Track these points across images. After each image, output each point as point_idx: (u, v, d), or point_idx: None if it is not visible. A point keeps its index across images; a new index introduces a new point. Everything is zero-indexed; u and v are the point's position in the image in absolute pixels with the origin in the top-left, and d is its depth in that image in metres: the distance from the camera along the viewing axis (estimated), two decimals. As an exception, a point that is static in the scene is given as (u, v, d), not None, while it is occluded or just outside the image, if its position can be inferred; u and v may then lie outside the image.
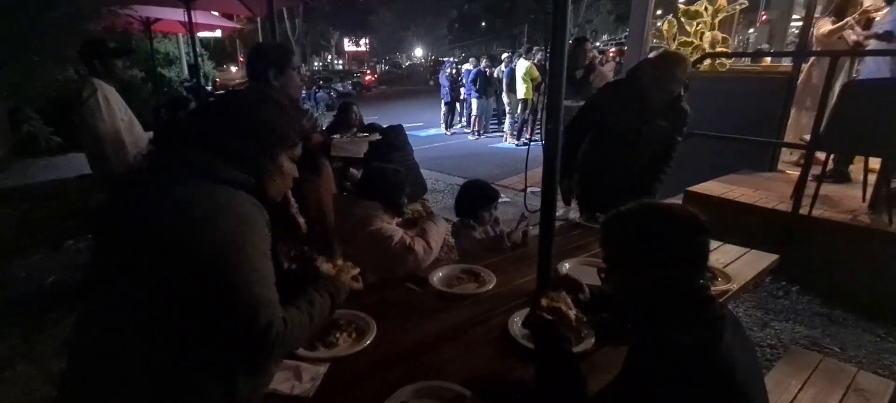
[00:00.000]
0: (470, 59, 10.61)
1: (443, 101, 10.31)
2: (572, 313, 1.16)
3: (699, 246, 0.92)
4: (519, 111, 8.56)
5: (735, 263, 1.92)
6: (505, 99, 8.92)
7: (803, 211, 3.00)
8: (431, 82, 21.97)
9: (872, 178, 3.10)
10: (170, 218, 0.85)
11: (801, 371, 1.72)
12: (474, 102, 9.44)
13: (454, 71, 10.52)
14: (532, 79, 8.08)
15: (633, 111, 2.24)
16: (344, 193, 2.44)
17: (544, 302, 1.18)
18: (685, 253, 0.92)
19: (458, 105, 10.62)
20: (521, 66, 8.24)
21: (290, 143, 1.02)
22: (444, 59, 17.50)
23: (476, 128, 9.56)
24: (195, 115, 1.01)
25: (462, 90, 10.20)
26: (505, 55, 10.17)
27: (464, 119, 10.80)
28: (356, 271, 1.24)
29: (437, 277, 1.71)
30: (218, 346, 0.87)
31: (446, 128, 10.26)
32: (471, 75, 9.34)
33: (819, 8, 4.54)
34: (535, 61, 8.28)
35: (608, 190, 2.27)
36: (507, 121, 9.01)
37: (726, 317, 0.90)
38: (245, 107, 0.99)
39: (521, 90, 8.25)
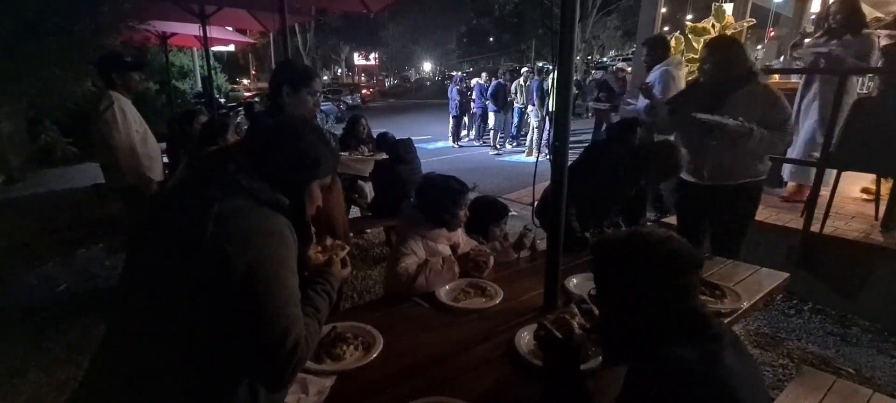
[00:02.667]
0: (481, 74, 10.65)
1: (451, 115, 10.37)
2: (576, 321, 1.15)
3: (686, 285, 0.92)
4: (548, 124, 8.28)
5: (745, 281, 1.90)
6: (532, 112, 8.65)
7: (815, 228, 2.96)
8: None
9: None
10: (210, 231, 0.87)
11: (814, 392, 1.68)
12: (491, 116, 9.32)
13: (464, 85, 10.58)
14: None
15: (627, 184, 2.39)
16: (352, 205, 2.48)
17: (554, 316, 1.18)
18: (672, 287, 0.91)
19: (465, 119, 10.68)
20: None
21: (324, 173, 1.09)
22: (454, 73, 17.67)
23: (495, 142, 9.40)
24: (252, 136, 1.08)
25: (472, 104, 10.25)
26: (525, 69, 10.17)
27: (472, 132, 10.84)
28: (345, 252, 1.23)
29: (444, 291, 1.71)
30: (245, 358, 0.89)
31: (455, 141, 10.30)
32: (491, 89, 9.25)
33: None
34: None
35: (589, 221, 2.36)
36: (533, 135, 8.59)
37: (725, 335, 0.89)
38: (298, 138, 1.05)
39: None
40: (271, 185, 0.98)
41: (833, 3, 3.34)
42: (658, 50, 3.77)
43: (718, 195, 2.44)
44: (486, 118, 10.10)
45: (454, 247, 1.98)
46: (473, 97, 10.22)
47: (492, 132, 9.56)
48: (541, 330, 1.16)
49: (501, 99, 9.14)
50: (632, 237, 0.98)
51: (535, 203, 2.38)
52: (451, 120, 10.40)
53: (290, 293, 0.91)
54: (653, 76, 3.65)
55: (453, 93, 10.25)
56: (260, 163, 1.00)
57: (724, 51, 2.34)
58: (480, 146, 10.03)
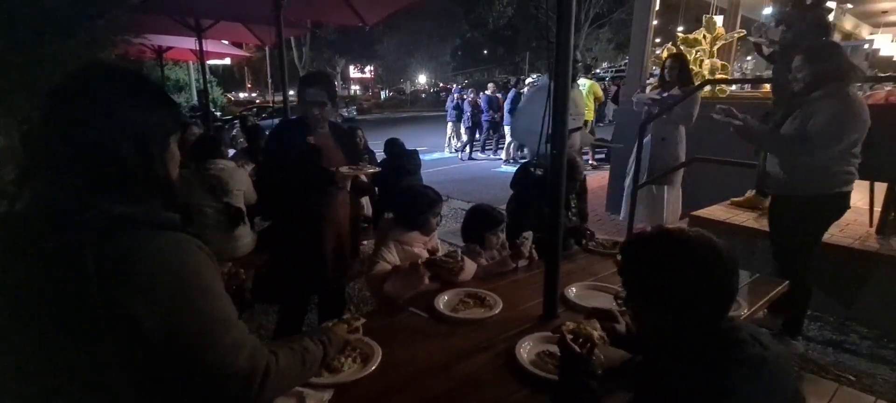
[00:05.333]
0: (488, 85, 10.55)
1: (463, 127, 10.12)
2: (596, 335, 1.12)
3: (730, 290, 0.85)
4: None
5: (743, 288, 1.90)
6: None
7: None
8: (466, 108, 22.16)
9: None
10: (97, 290, 0.69)
11: (817, 399, 1.67)
12: (508, 129, 9.01)
13: (475, 96, 10.31)
14: (596, 99, 8.00)
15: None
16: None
17: (574, 328, 1.14)
18: (712, 294, 0.83)
19: (463, 129, 10.62)
20: (583, 84, 7.82)
21: (173, 128, 0.87)
22: (450, 86, 17.80)
23: (511, 156, 9.11)
24: (73, 141, 0.76)
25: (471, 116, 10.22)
26: (526, 79, 10.14)
27: (469, 144, 10.81)
28: (358, 324, 1.28)
29: (442, 302, 1.70)
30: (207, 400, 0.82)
31: (460, 152, 10.14)
32: (509, 100, 9.06)
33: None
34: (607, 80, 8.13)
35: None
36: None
37: (753, 358, 0.81)
38: (117, 115, 0.76)
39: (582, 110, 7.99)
40: (142, 191, 0.78)
41: (668, 59, 3.82)
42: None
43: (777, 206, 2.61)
44: (495, 129, 10.04)
45: (432, 252, 2.06)
46: (481, 108, 10.05)
47: (508, 145, 9.25)
48: (561, 343, 1.11)
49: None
50: (670, 233, 0.92)
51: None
52: (463, 131, 10.15)
53: (224, 321, 0.80)
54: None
55: (465, 105, 9.99)
56: (105, 172, 0.75)
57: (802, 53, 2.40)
58: (493, 159, 9.82)
